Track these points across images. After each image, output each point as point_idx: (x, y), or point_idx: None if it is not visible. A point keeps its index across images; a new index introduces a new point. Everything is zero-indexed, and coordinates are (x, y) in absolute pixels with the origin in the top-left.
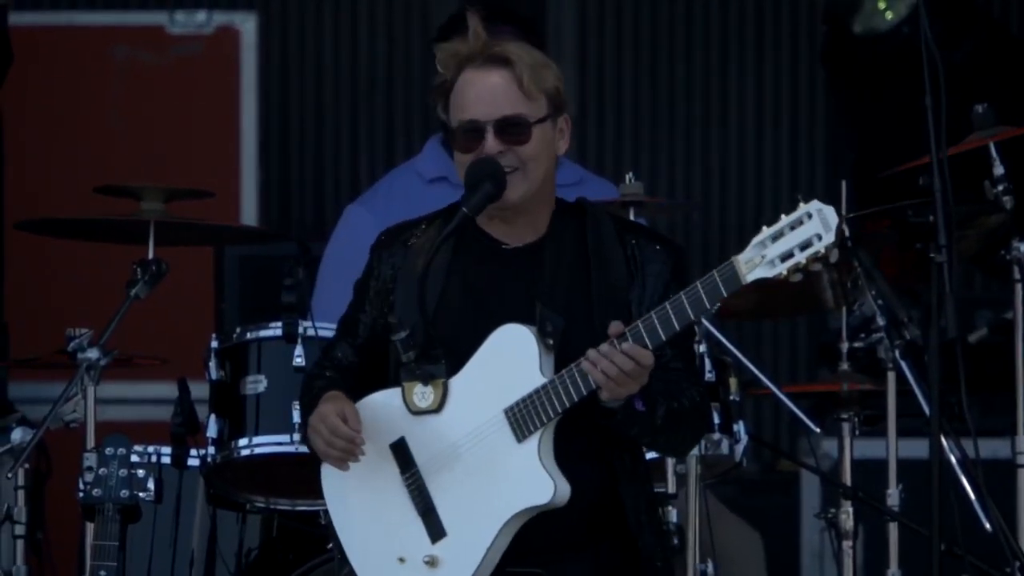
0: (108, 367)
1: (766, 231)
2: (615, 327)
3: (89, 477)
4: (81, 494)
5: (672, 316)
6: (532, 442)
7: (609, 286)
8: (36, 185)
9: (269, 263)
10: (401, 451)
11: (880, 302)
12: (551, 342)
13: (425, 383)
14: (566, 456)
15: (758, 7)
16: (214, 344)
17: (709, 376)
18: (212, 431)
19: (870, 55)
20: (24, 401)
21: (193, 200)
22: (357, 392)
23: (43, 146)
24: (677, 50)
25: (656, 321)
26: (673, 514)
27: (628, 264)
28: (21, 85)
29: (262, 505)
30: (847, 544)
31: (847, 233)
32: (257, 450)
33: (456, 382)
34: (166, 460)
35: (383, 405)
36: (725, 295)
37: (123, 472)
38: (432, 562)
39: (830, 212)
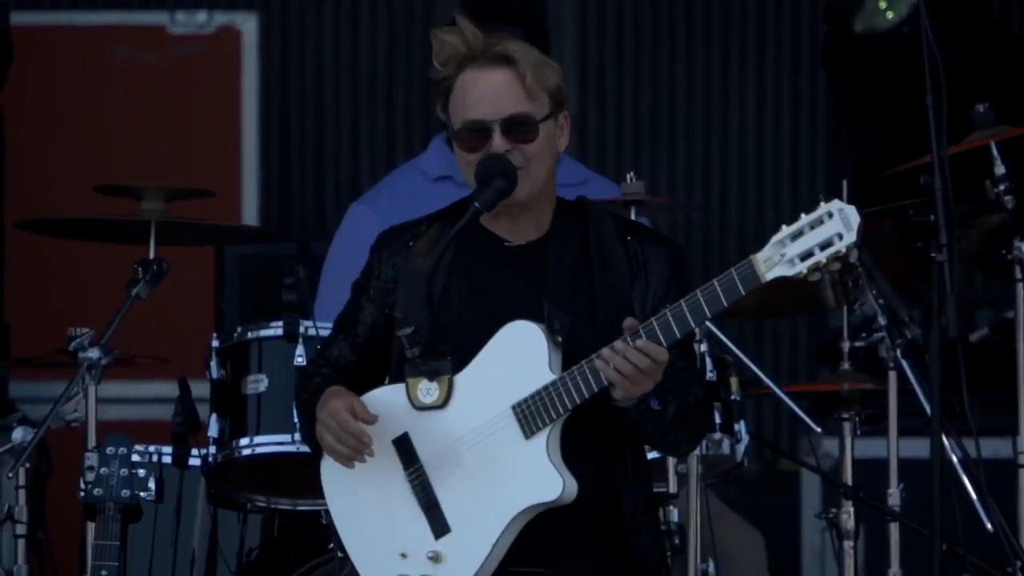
0: (109, 366)
1: (785, 230)
2: (630, 322)
3: (90, 476)
4: (82, 493)
5: (687, 314)
6: (540, 438)
7: (612, 284)
8: (37, 185)
9: (270, 262)
10: (404, 447)
11: (881, 301)
12: (559, 339)
13: (430, 379)
14: (569, 454)
15: (759, 6)
16: (215, 343)
17: (710, 375)
18: (213, 431)
19: (871, 54)
20: (25, 400)
21: (194, 200)
22: (355, 391)
23: (44, 146)
24: (678, 49)
25: (671, 318)
26: (674, 514)
27: (630, 263)
28: (22, 85)
29: (263, 505)
30: (848, 544)
31: None
32: (258, 450)
33: (461, 378)
34: (167, 459)
35: (386, 401)
36: (743, 293)
37: (124, 471)
38: (436, 557)
39: (852, 211)
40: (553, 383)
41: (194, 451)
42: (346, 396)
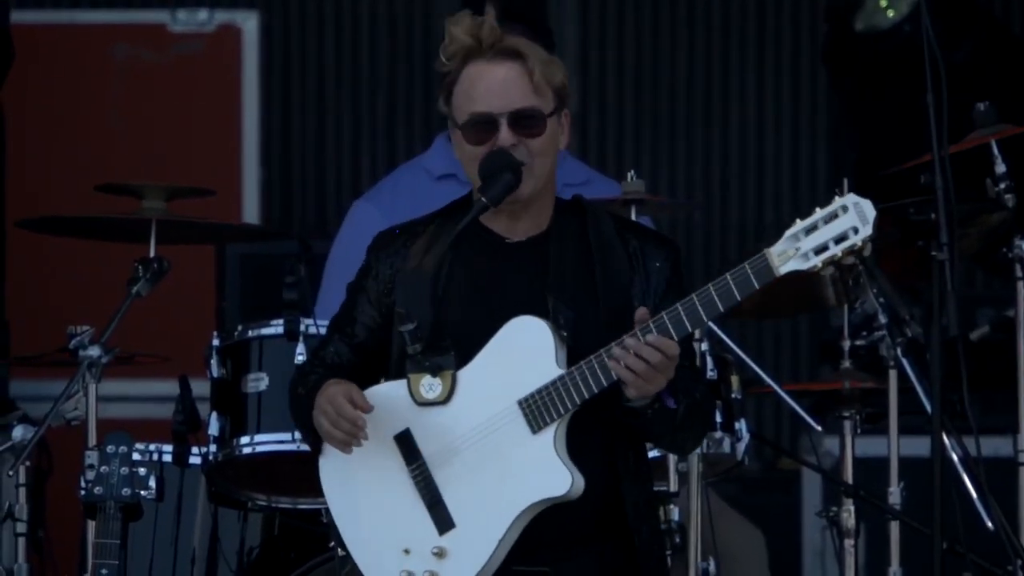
0: (109, 365)
1: (800, 224)
2: (642, 313)
3: (90, 475)
4: (82, 492)
5: (700, 308)
6: (548, 434)
7: (613, 280)
8: (37, 183)
9: (270, 261)
10: (406, 443)
11: (882, 300)
12: (565, 334)
13: (433, 375)
14: (573, 451)
15: (759, 6)
16: (215, 342)
17: (711, 374)
18: (213, 429)
19: (872, 53)
20: (25, 399)
21: (194, 198)
22: None
23: (44, 144)
24: (679, 49)
25: (682, 313)
26: (675, 512)
27: (630, 260)
28: (22, 83)
29: (264, 503)
30: (848, 542)
31: None
32: (259, 448)
33: (465, 374)
34: (167, 458)
35: (387, 396)
36: (757, 287)
37: (124, 470)
38: (440, 553)
39: (868, 205)
40: (561, 378)
41: (195, 449)
42: (345, 385)
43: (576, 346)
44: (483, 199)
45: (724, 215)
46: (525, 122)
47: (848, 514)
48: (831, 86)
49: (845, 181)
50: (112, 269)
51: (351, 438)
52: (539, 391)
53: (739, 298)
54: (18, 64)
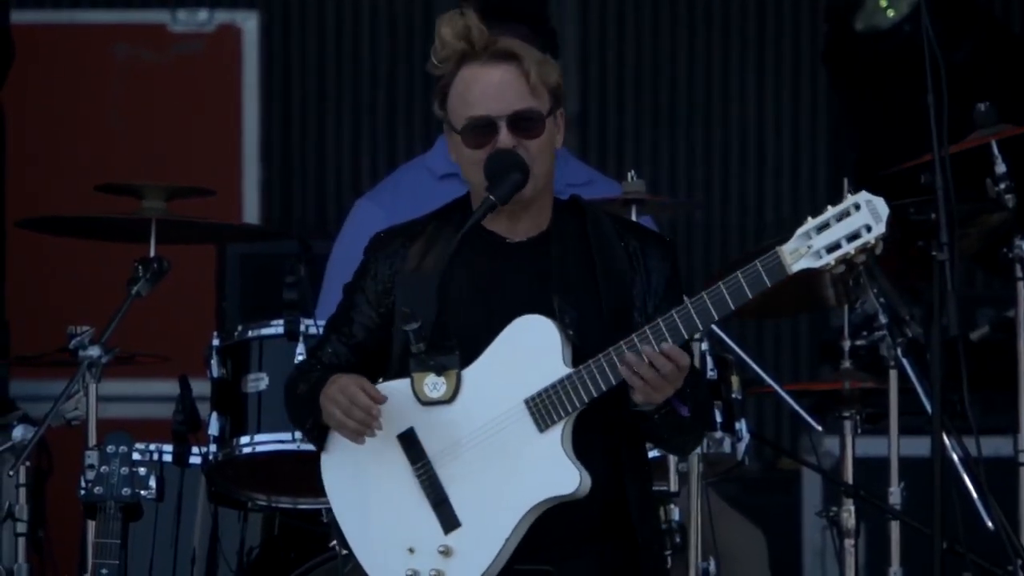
0: (109, 365)
1: (811, 221)
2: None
3: (90, 475)
4: (82, 492)
5: (710, 306)
6: (555, 432)
7: (615, 278)
8: (37, 183)
9: (271, 261)
10: (410, 442)
11: (882, 300)
12: (571, 332)
13: (438, 374)
14: (577, 449)
15: (759, 6)
16: (216, 342)
17: (711, 374)
18: (214, 429)
19: (872, 53)
20: (25, 399)
21: (194, 198)
22: None
23: (44, 144)
24: (679, 49)
25: (693, 310)
26: (675, 512)
27: (630, 259)
28: (22, 83)
29: (264, 503)
30: (849, 542)
31: None
32: (259, 448)
33: (469, 373)
34: (168, 458)
35: (390, 395)
36: (769, 285)
37: (124, 470)
38: (446, 552)
39: (880, 203)
40: (568, 376)
41: (195, 449)
42: (356, 376)
43: (581, 344)
44: (491, 198)
45: (724, 215)
46: (524, 124)
47: (848, 514)
48: (831, 86)
49: (845, 181)
50: (112, 269)
51: (364, 428)
52: (546, 390)
53: (750, 296)
54: (18, 64)
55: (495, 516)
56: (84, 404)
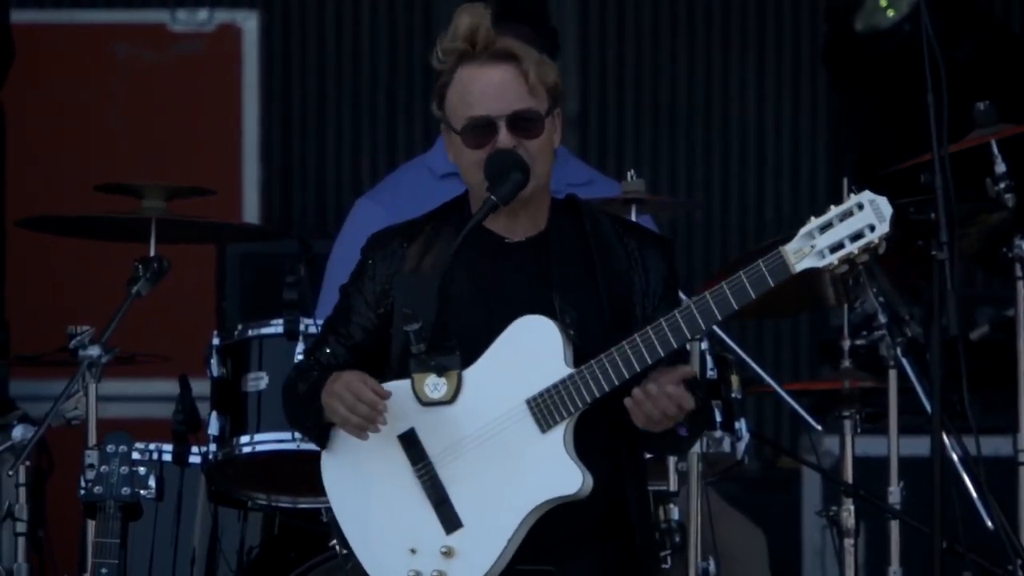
0: (109, 364)
1: (814, 221)
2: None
3: (90, 474)
4: (82, 491)
5: (713, 306)
6: (557, 432)
7: (614, 277)
8: (37, 183)
9: (271, 261)
10: (410, 442)
11: (882, 299)
12: (572, 332)
13: (439, 374)
14: (577, 450)
15: (759, 6)
16: (215, 341)
17: (711, 373)
18: (213, 428)
19: (871, 53)
20: (25, 398)
21: (195, 198)
22: None
23: (45, 144)
24: (679, 49)
25: (695, 311)
26: (675, 512)
27: (628, 259)
28: (23, 83)
29: (264, 503)
30: (848, 542)
31: None
32: (259, 447)
33: (470, 374)
34: (167, 457)
35: (390, 396)
36: (772, 285)
37: (124, 469)
38: (449, 552)
39: (883, 203)
40: (571, 377)
41: (194, 449)
42: (359, 372)
43: (582, 345)
44: (492, 198)
45: (724, 215)
46: (523, 124)
47: (848, 514)
48: (831, 86)
49: (845, 181)
50: (112, 269)
51: (369, 423)
52: (548, 390)
53: (754, 296)
54: (19, 63)
55: (497, 517)
56: (84, 404)
